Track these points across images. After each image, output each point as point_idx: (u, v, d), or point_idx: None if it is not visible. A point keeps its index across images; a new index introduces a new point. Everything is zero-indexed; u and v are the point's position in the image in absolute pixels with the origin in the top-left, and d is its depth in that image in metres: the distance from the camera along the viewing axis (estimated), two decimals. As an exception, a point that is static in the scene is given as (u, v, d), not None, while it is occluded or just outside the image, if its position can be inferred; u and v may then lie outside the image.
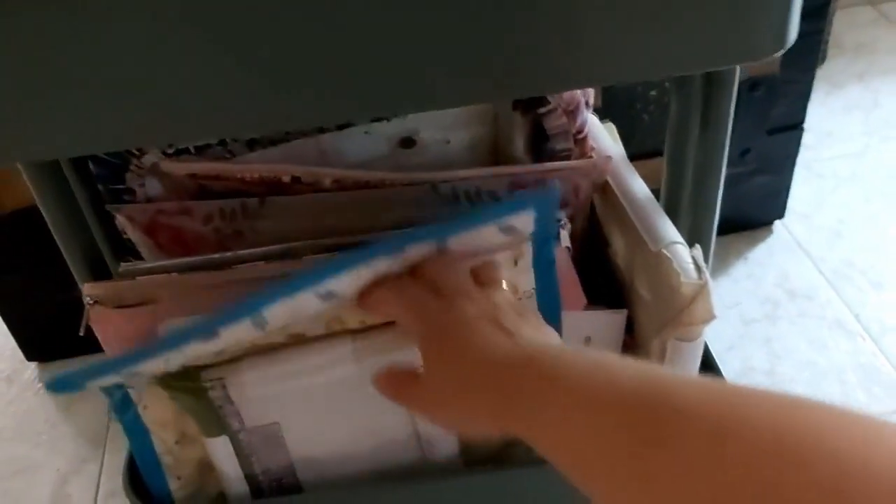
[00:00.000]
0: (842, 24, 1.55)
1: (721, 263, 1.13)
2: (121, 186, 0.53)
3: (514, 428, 0.37)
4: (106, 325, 0.50)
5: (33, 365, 1.10)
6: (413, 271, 0.45)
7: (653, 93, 0.98)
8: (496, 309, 0.42)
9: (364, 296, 0.45)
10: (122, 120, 0.40)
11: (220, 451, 0.53)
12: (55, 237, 0.56)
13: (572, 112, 0.53)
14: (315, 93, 0.40)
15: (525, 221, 0.46)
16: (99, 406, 1.02)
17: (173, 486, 0.55)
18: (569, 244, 0.52)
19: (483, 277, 0.45)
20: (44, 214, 0.56)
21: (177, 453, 0.54)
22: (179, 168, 0.52)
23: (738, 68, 0.48)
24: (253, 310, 0.44)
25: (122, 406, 0.51)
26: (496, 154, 0.58)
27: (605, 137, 0.62)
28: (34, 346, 1.09)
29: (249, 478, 0.55)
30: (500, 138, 0.56)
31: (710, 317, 0.48)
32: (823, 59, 1.48)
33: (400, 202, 0.54)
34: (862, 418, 0.26)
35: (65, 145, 0.41)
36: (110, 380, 0.49)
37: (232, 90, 0.39)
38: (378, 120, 0.53)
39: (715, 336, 1.04)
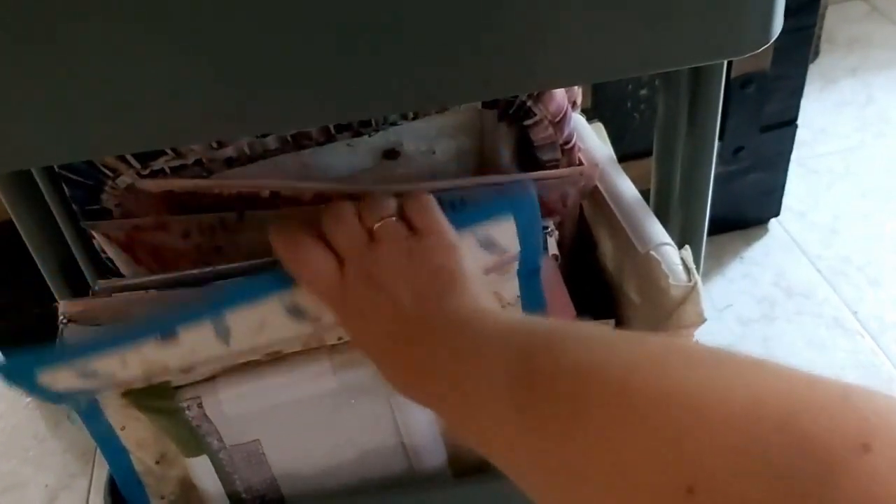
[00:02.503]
0: (834, 19, 1.54)
1: (716, 263, 1.12)
2: (96, 207, 0.51)
3: (422, 401, 0.39)
4: None
5: (22, 379, 1.09)
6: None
7: (643, 92, 0.97)
8: (389, 274, 0.40)
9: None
10: (91, 128, 0.39)
11: (201, 470, 0.52)
12: (32, 252, 0.55)
13: (559, 123, 0.52)
14: (294, 95, 0.39)
15: (507, 233, 0.45)
16: (88, 420, 1.01)
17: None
18: (556, 252, 0.51)
19: (372, 216, 0.43)
20: (19, 229, 0.55)
21: (158, 473, 0.53)
22: (155, 185, 0.51)
23: (724, 64, 0.47)
24: (213, 310, 0.43)
25: (90, 415, 0.49)
26: (482, 164, 0.56)
27: (592, 139, 0.61)
28: (22, 360, 1.08)
29: (232, 496, 0.53)
30: (487, 148, 0.55)
31: (700, 320, 0.47)
32: (816, 54, 1.48)
33: None
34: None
35: (31, 155, 0.40)
36: (66, 377, 0.45)
37: (211, 92, 0.38)
38: (359, 135, 0.52)
39: (711, 337, 1.03)
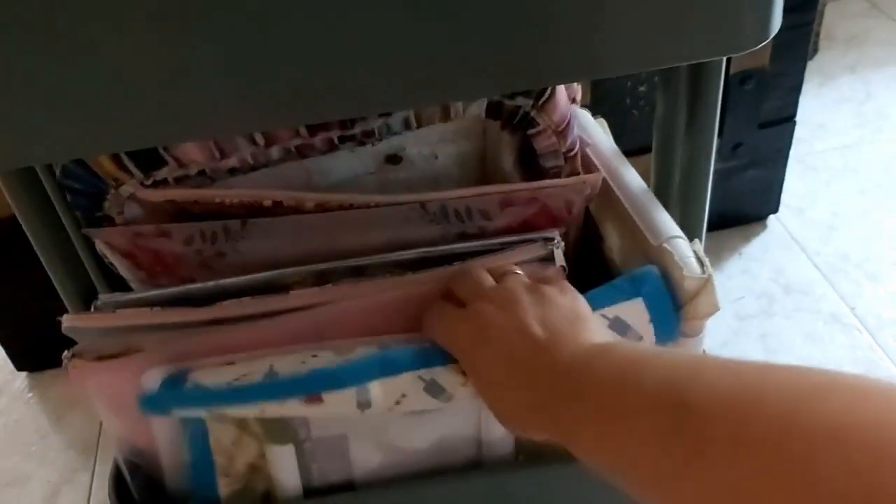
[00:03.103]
0: (833, 16, 1.55)
1: (715, 259, 1.12)
2: (99, 214, 0.51)
3: (549, 434, 0.38)
4: (87, 379, 0.48)
5: (23, 375, 1.09)
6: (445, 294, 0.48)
7: (641, 88, 0.97)
8: (516, 303, 0.43)
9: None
10: (89, 126, 0.39)
11: (283, 459, 0.51)
12: (37, 253, 0.55)
13: (562, 132, 0.52)
14: (296, 91, 0.39)
15: (638, 313, 0.46)
16: (89, 416, 1.01)
17: (220, 482, 0.52)
18: (563, 263, 0.51)
19: (497, 273, 0.48)
20: (25, 229, 0.54)
21: (230, 453, 0.51)
22: (157, 195, 0.51)
23: (723, 60, 0.48)
24: (359, 379, 0.46)
25: (194, 428, 0.50)
26: (485, 169, 0.56)
27: (598, 133, 0.61)
28: (24, 356, 1.08)
29: (305, 483, 0.52)
30: (489, 154, 0.55)
31: (714, 310, 0.47)
32: (815, 50, 1.48)
33: (387, 221, 0.52)
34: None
35: (31, 154, 0.40)
36: (197, 412, 0.48)
37: (211, 87, 0.38)
38: (363, 144, 0.52)
39: (709, 332, 1.03)
